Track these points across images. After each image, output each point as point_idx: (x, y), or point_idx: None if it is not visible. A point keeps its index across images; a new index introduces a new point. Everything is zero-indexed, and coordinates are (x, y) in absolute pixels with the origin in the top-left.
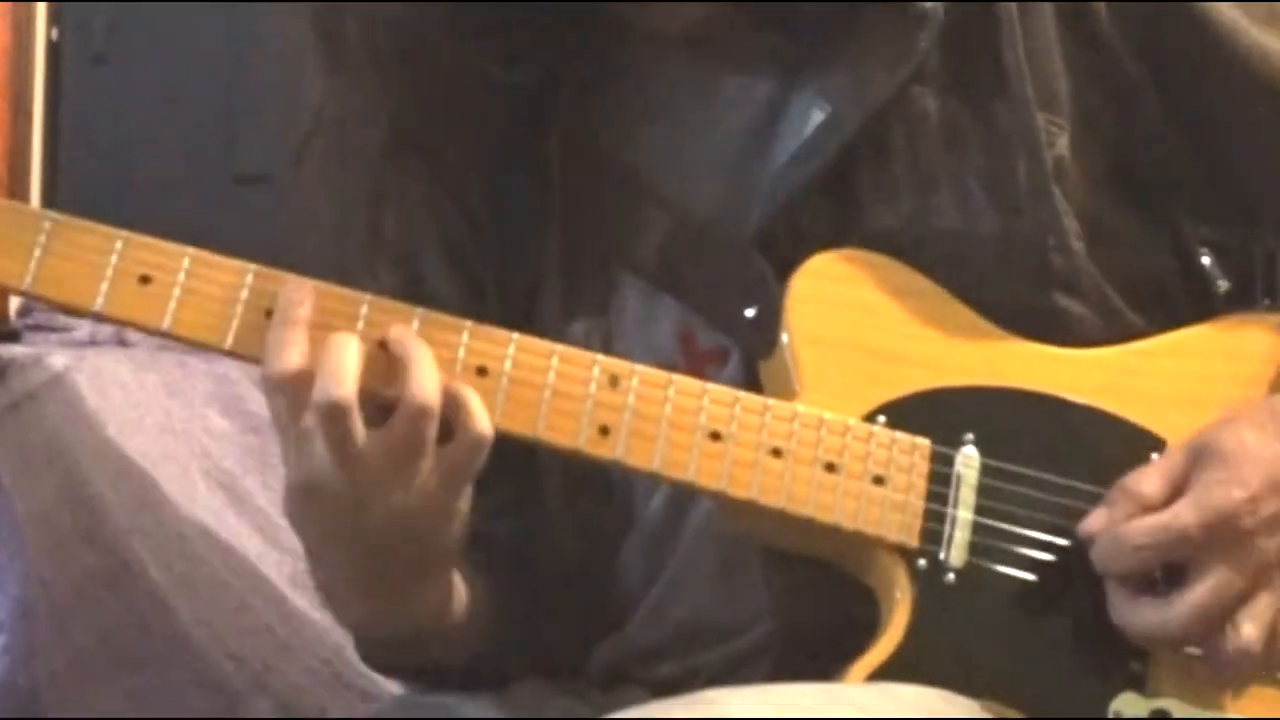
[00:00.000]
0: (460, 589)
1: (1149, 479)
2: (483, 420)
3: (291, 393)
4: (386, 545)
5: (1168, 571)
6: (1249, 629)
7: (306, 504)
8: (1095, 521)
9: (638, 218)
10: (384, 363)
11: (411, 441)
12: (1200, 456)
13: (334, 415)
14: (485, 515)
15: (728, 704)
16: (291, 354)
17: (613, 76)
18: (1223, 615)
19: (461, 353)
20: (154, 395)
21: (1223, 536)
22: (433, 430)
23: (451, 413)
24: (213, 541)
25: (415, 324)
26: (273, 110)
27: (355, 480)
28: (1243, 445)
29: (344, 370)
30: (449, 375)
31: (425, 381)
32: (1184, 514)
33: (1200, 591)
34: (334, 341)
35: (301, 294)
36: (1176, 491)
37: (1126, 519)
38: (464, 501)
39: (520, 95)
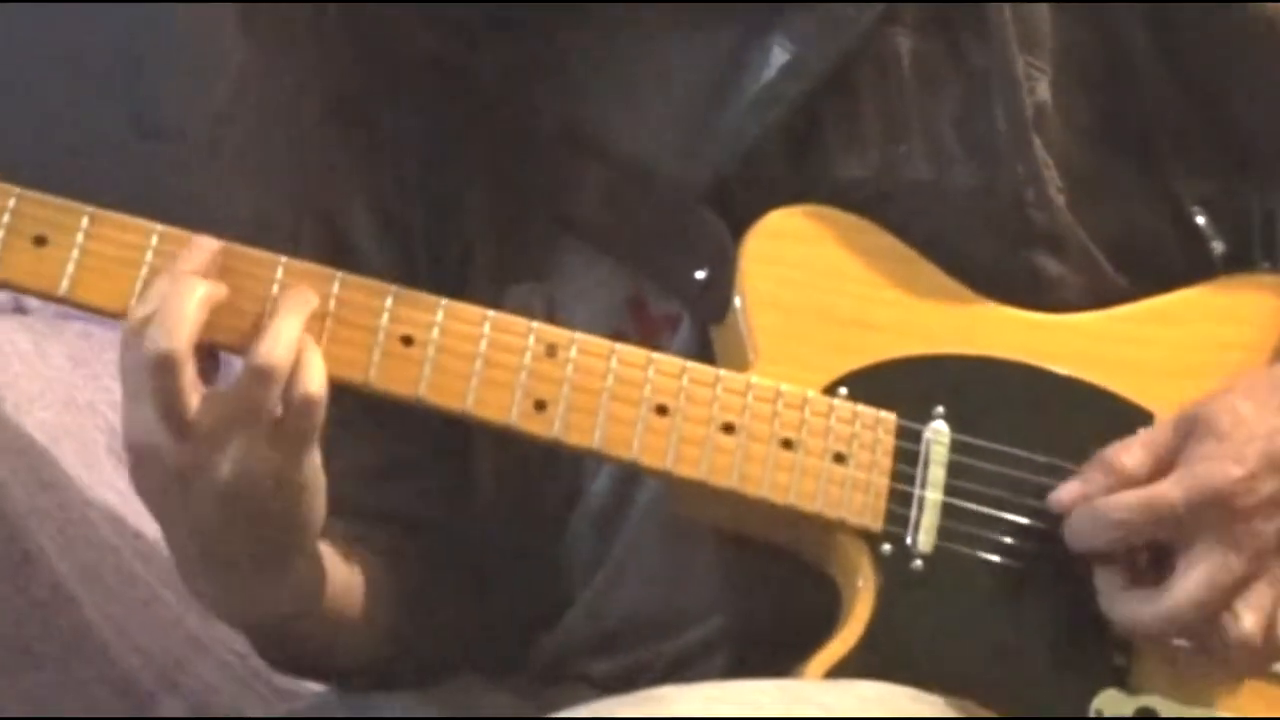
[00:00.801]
0: (339, 574)
1: (1131, 451)
2: (311, 378)
3: (135, 343)
4: (222, 523)
5: (1156, 558)
6: (1249, 619)
7: (137, 472)
8: (1068, 493)
9: (581, 173)
10: (251, 319)
11: (246, 406)
12: (1190, 430)
13: (160, 367)
14: (418, 499)
15: (678, 702)
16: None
17: (556, 28)
18: (1218, 605)
19: (385, 320)
20: (56, 367)
21: (1215, 518)
22: (273, 396)
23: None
24: (120, 526)
25: (335, 287)
26: (184, 62)
27: (181, 446)
28: (1238, 418)
29: (180, 318)
30: (370, 344)
31: (277, 339)
32: (1169, 490)
33: (1194, 579)
34: (176, 286)
35: (195, 249)
36: (1162, 467)
37: (1104, 492)
38: (308, 473)
39: (459, 54)
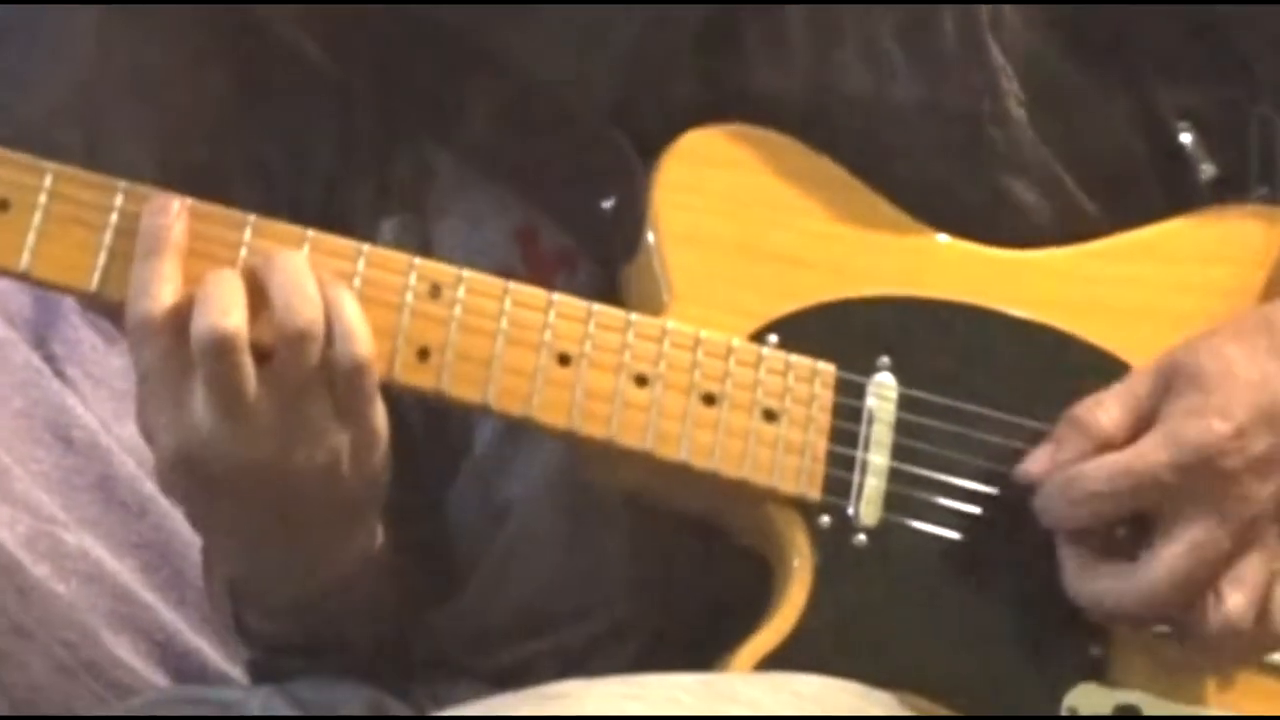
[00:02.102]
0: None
1: (1106, 408)
2: (354, 331)
3: (171, 333)
4: (285, 504)
5: (1133, 527)
6: (1236, 599)
7: (190, 475)
8: (1038, 462)
9: (466, 87)
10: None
11: (298, 375)
12: (1172, 380)
13: (221, 351)
14: None
15: (583, 699)
16: (164, 288)
17: None
18: (1202, 582)
19: (243, 253)
20: None
21: (1202, 481)
22: (316, 355)
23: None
24: None
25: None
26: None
27: (247, 435)
28: (1225, 365)
29: (228, 298)
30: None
31: (300, 300)
32: (1152, 452)
33: (1174, 552)
34: (211, 275)
35: (169, 216)
36: (1142, 424)
37: (1079, 459)
38: (379, 430)
39: None
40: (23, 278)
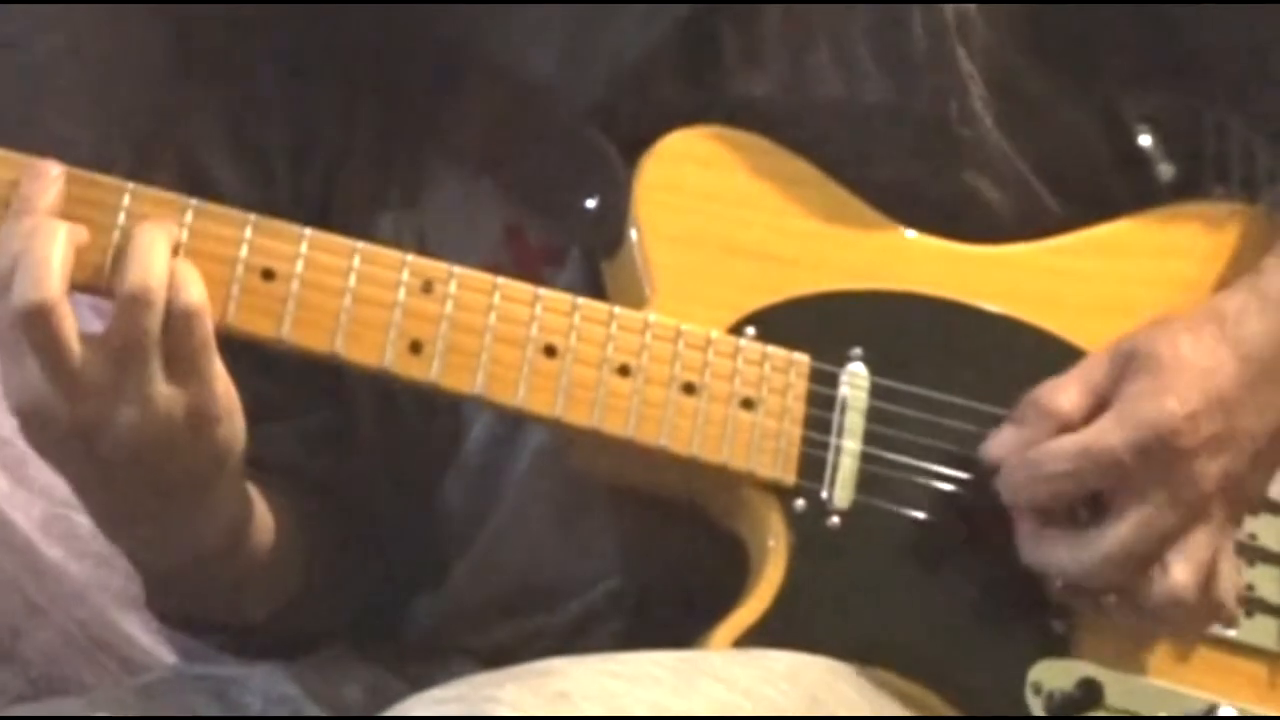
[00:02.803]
0: (261, 511)
1: (1065, 391)
2: (189, 291)
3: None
4: (137, 469)
5: (1090, 504)
6: (1179, 571)
7: (32, 431)
8: (1001, 443)
9: (458, 90)
10: (102, 252)
11: (130, 341)
12: (1127, 364)
13: (34, 320)
14: (295, 446)
15: (569, 675)
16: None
17: None
18: (1151, 554)
19: (244, 251)
20: None
21: (1155, 459)
22: (154, 322)
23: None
24: None
25: (189, 216)
26: None
27: (76, 396)
28: (1178, 352)
29: (47, 265)
30: (228, 278)
31: (143, 265)
32: (1110, 432)
33: (1124, 526)
34: (36, 232)
35: (45, 180)
36: (1098, 406)
37: (1039, 439)
38: (219, 397)
39: None
40: None
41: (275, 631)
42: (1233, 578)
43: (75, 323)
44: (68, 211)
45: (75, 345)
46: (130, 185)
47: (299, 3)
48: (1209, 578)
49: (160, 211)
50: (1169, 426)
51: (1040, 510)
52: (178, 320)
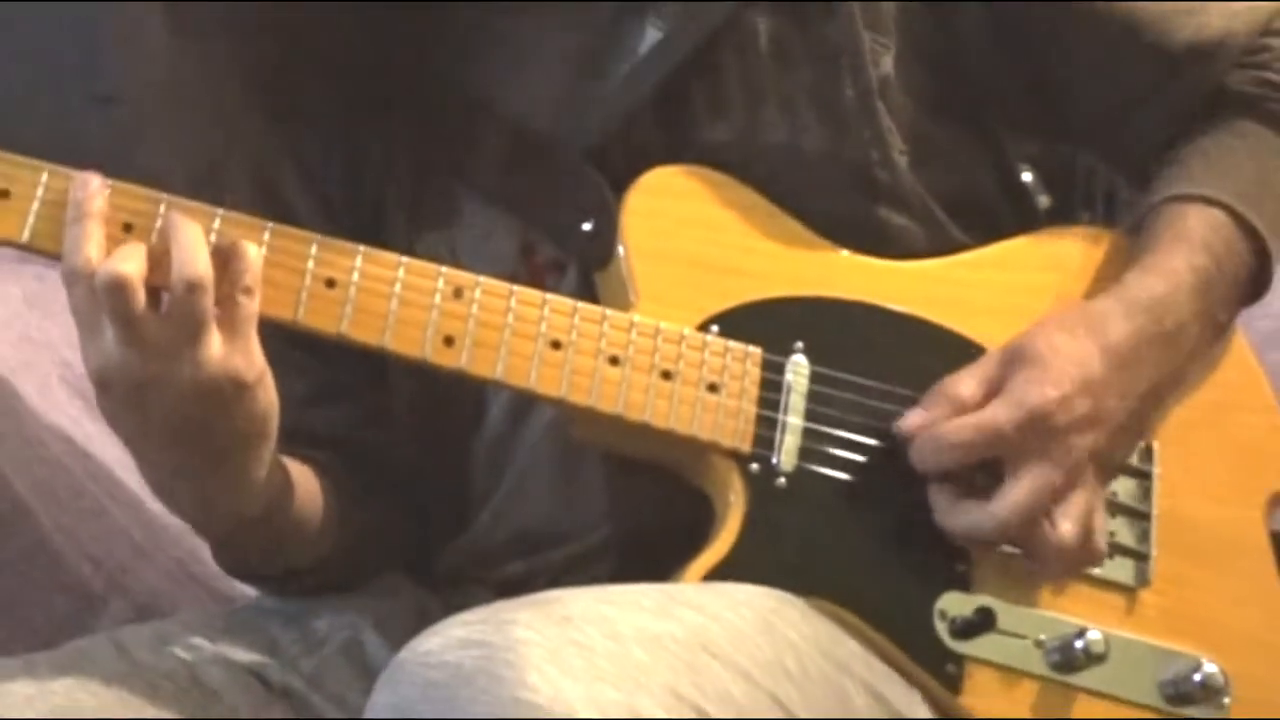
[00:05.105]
0: (300, 480)
1: (965, 381)
2: (245, 277)
3: (88, 279)
4: (189, 427)
5: (987, 472)
6: (1066, 526)
7: (103, 398)
8: (912, 421)
9: (479, 135)
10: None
11: (188, 315)
12: (1014, 359)
13: (114, 290)
14: (345, 423)
15: (571, 602)
16: (89, 248)
17: (457, 8)
18: (1039, 512)
19: (311, 264)
20: (13, 306)
21: (1037, 435)
22: (207, 302)
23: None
24: (72, 448)
25: (267, 235)
26: (134, 33)
27: (142, 358)
28: (1054, 348)
29: (127, 251)
30: (298, 286)
31: (189, 255)
32: (999, 413)
33: (1018, 490)
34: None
35: (89, 189)
36: (992, 393)
37: (943, 419)
38: (259, 370)
39: (368, 31)
40: (24, 248)
41: (318, 578)
42: (1101, 527)
43: (146, 299)
44: (112, 218)
45: (142, 311)
46: (220, 210)
47: (349, 63)
48: (1087, 530)
49: (243, 232)
50: (1046, 409)
51: (945, 475)
52: (232, 300)
